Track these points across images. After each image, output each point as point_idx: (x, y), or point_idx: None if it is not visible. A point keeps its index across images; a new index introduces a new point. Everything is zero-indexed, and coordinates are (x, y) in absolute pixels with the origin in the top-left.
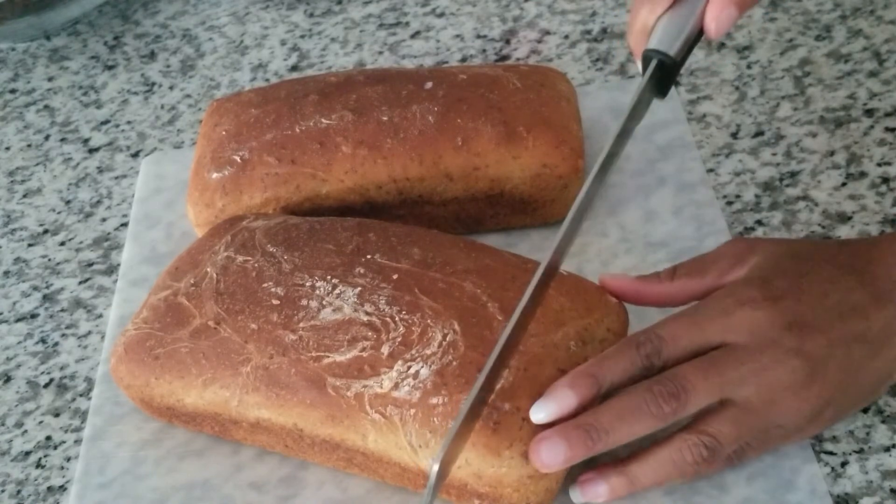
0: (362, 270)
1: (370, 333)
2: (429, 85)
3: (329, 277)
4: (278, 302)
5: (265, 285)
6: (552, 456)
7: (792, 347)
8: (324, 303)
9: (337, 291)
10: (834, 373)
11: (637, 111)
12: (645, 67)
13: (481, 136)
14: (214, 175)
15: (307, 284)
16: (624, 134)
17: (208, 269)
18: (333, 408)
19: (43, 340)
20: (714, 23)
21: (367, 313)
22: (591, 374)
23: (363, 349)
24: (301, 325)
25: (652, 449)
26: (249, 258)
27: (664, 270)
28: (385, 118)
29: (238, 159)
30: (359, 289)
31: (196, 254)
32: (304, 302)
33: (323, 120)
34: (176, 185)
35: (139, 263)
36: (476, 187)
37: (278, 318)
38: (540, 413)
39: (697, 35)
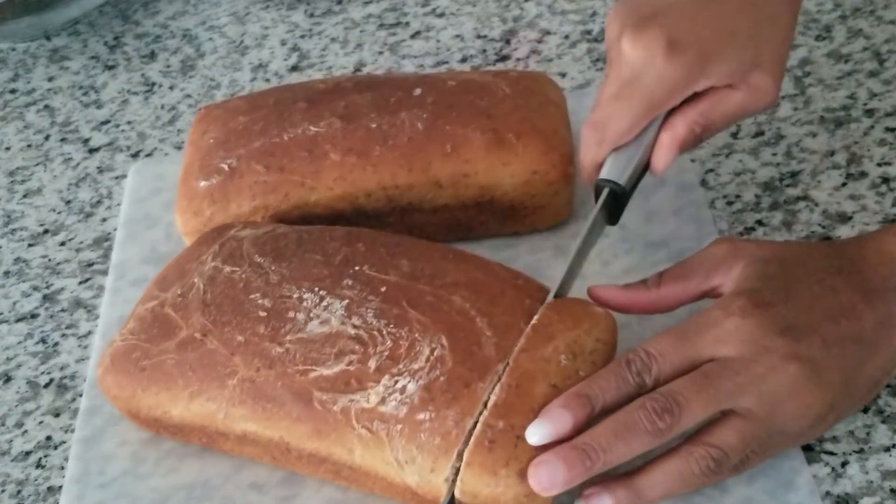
0: (350, 282)
1: (357, 347)
2: (418, 91)
3: (317, 289)
4: (265, 314)
5: (252, 297)
6: (551, 478)
7: (787, 353)
8: (311, 315)
9: (324, 304)
10: (833, 375)
11: (589, 240)
12: (597, 197)
13: (471, 143)
14: (202, 183)
15: (294, 296)
16: (576, 264)
17: (195, 280)
18: (320, 422)
19: (43, 340)
20: (661, 162)
21: (354, 326)
22: (584, 394)
23: (350, 363)
24: (288, 337)
25: (658, 461)
26: (237, 269)
27: (651, 277)
28: (374, 125)
29: (226, 167)
30: (346, 301)
31: (184, 263)
32: (291, 314)
33: (311, 127)
34: (175, 185)
35: (138, 263)
36: (466, 194)
37: (265, 331)
38: (535, 435)
39: (644, 168)
